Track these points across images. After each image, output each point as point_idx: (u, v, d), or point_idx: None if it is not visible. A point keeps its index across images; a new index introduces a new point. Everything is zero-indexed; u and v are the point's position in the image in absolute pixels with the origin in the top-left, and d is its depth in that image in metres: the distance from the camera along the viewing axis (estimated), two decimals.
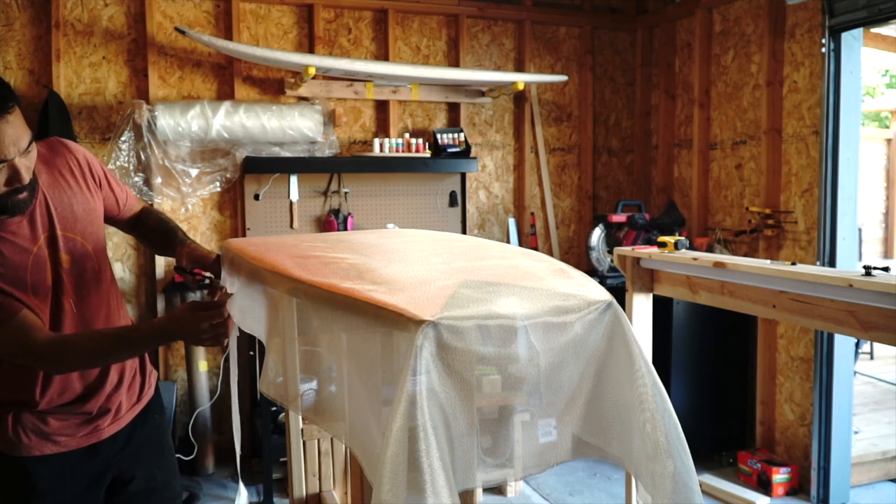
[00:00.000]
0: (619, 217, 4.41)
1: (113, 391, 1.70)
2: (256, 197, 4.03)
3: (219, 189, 3.97)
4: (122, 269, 3.88)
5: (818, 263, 3.53)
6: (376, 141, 4.13)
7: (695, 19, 4.36)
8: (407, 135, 4.26)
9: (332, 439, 2.58)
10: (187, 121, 3.69)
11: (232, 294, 1.58)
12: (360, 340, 1.29)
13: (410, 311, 1.07)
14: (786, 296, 2.24)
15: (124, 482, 1.74)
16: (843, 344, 3.53)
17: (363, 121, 4.33)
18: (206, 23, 3.97)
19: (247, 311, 1.67)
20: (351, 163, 4.11)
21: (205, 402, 3.88)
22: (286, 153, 3.99)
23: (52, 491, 1.61)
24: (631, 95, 4.96)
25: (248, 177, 4.00)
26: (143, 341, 1.55)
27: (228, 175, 3.96)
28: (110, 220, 1.82)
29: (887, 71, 9.38)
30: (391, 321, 1.10)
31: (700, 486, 1.22)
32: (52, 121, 3.55)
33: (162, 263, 3.90)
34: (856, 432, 3.91)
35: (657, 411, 1.18)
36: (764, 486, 3.65)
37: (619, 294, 2.42)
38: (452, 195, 4.43)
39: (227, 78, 4.02)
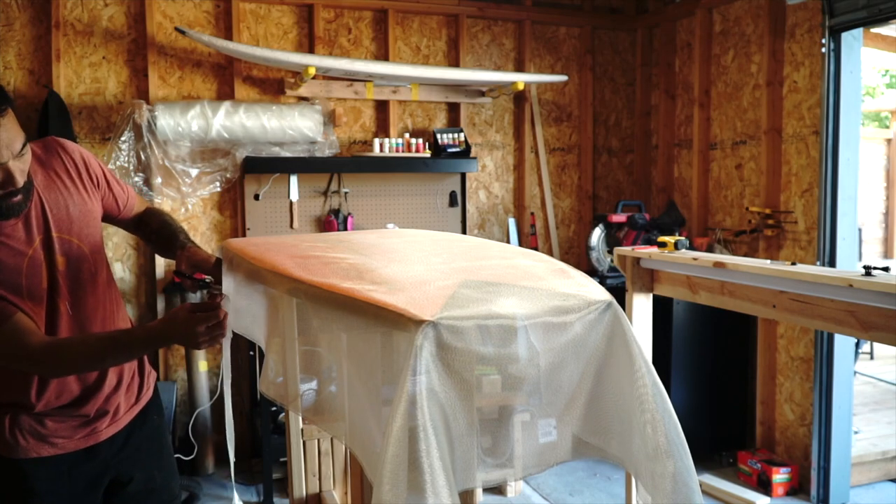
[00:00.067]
0: (619, 217, 4.41)
1: (111, 393, 1.69)
2: (256, 197, 4.03)
3: (219, 189, 3.97)
4: (122, 269, 3.88)
5: (818, 263, 3.53)
6: (376, 141, 4.13)
7: (695, 19, 4.36)
8: (407, 135, 4.26)
9: (332, 439, 2.58)
10: (187, 121, 3.69)
11: (227, 295, 1.57)
12: (360, 340, 1.29)
13: (410, 311, 1.07)
14: (786, 296, 2.24)
15: (123, 484, 1.73)
16: (843, 344, 3.53)
17: (363, 121, 4.33)
18: (206, 23, 3.97)
19: (244, 311, 1.67)
20: (351, 163, 4.11)
21: (205, 402, 3.88)
22: (286, 153, 3.99)
23: (50, 493, 1.61)
24: (631, 95, 4.96)
25: (248, 177, 4.00)
26: (139, 345, 1.54)
27: (228, 175, 3.96)
28: (112, 219, 1.80)
29: (887, 71, 9.38)
30: (391, 321, 1.11)
31: (700, 486, 1.22)
32: (52, 121, 3.55)
33: (162, 263, 3.90)
34: (856, 432, 3.91)
35: (657, 411, 1.18)
36: (764, 486, 3.65)
37: (619, 294, 2.43)
38: (452, 195, 4.43)
39: (227, 78, 4.02)
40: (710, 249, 4.08)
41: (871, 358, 5.81)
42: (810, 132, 3.65)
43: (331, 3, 4.16)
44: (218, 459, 3.93)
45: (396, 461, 1.00)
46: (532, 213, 4.70)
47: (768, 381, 3.89)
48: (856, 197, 3.51)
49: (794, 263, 2.29)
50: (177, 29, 3.70)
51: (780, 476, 3.63)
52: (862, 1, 3.27)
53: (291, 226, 4.12)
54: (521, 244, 4.62)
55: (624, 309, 1.55)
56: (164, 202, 3.89)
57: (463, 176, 4.44)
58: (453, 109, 4.51)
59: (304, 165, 4.01)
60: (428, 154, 4.24)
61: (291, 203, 4.11)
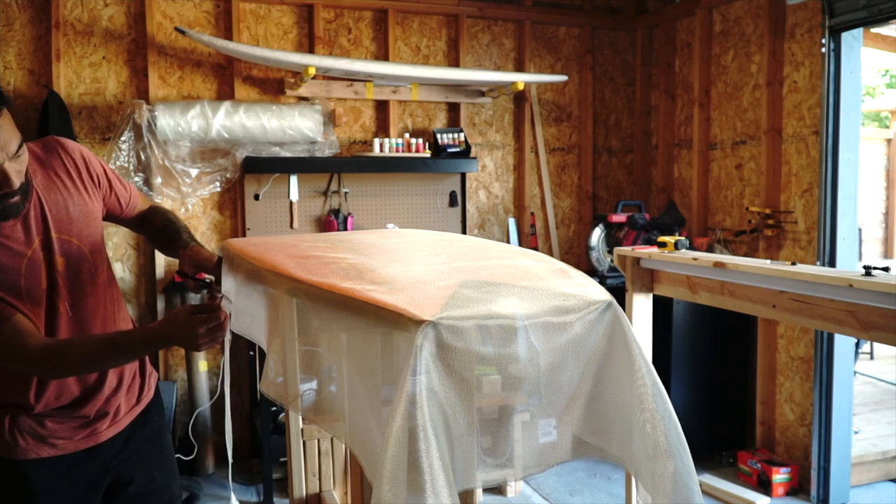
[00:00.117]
0: (619, 217, 4.41)
1: (111, 394, 1.68)
2: (256, 197, 4.03)
3: (219, 189, 3.97)
4: (122, 269, 3.88)
5: (818, 263, 3.53)
6: (376, 141, 4.13)
7: (695, 19, 4.36)
8: (407, 135, 4.26)
9: (332, 439, 2.58)
10: (187, 121, 3.69)
11: (227, 297, 1.57)
12: (360, 340, 1.29)
13: (410, 311, 1.07)
14: (786, 296, 2.24)
15: (123, 485, 1.72)
16: (843, 344, 3.53)
17: (363, 121, 4.33)
18: (206, 23, 3.97)
19: (244, 311, 1.67)
20: (351, 163, 4.11)
21: (205, 402, 3.88)
22: (286, 153, 3.99)
23: (50, 494, 1.60)
24: (631, 95, 4.96)
25: (248, 177, 4.00)
26: (139, 347, 1.53)
27: (228, 175, 3.97)
28: (115, 218, 1.80)
29: (887, 71, 9.38)
30: (391, 321, 1.11)
31: (700, 486, 1.22)
32: (52, 121, 3.55)
33: (162, 263, 3.90)
34: (856, 432, 3.91)
35: (657, 411, 1.18)
36: (764, 486, 3.65)
37: (619, 294, 2.43)
38: (452, 195, 4.43)
39: (227, 78, 4.02)
40: (710, 249, 4.08)
41: (871, 358, 5.81)
42: (810, 132, 3.65)
43: (331, 3, 4.16)
44: (218, 459, 3.93)
45: (396, 461, 1.00)
46: (532, 213, 4.70)
47: (768, 381, 3.89)
48: (856, 197, 3.51)
49: (794, 263, 2.29)
50: (177, 29, 3.70)
51: (780, 476, 3.63)
52: (862, 1, 3.27)
53: (291, 226, 4.12)
54: (521, 244, 4.62)
55: (624, 309, 1.55)
56: (164, 202, 3.89)
57: (463, 176, 4.44)
58: (453, 109, 4.51)
59: (304, 165, 4.01)
60: (428, 154, 4.24)
61: (291, 203, 4.11)
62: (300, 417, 2.43)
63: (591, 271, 4.38)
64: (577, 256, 4.81)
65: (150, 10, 3.83)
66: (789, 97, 3.78)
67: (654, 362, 1.48)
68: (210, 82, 4.00)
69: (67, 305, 1.58)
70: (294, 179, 4.09)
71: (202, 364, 3.90)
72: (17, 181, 1.42)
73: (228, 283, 1.61)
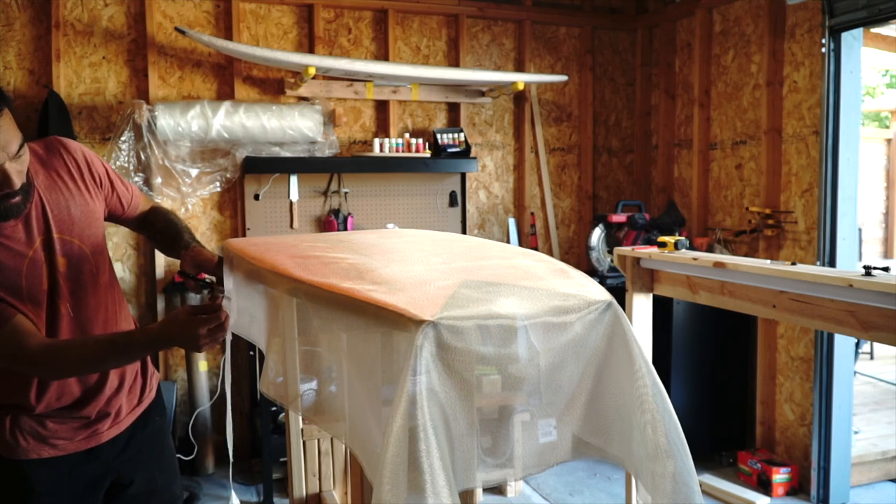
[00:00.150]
0: (619, 217, 4.41)
1: (113, 395, 1.68)
2: (256, 197, 4.03)
3: (219, 189, 3.97)
4: (121, 269, 3.88)
5: (818, 263, 3.53)
6: (376, 141, 4.13)
7: (695, 19, 4.36)
8: (407, 135, 4.26)
9: (332, 439, 2.58)
10: (187, 121, 3.69)
11: (228, 296, 1.57)
12: (360, 340, 1.29)
13: (410, 311, 1.07)
14: (786, 296, 2.24)
15: (124, 486, 1.72)
16: (843, 344, 3.53)
17: (363, 121, 4.33)
18: (206, 23, 3.97)
19: (244, 311, 1.67)
20: (351, 163, 4.11)
21: (205, 402, 3.88)
22: (286, 153, 3.99)
23: (50, 494, 1.60)
24: (631, 95, 4.96)
25: (248, 177, 4.00)
26: (139, 348, 1.53)
27: (228, 175, 3.96)
28: (116, 218, 1.79)
29: (887, 71, 9.38)
30: (391, 321, 1.10)
31: (700, 486, 1.22)
32: (52, 121, 3.55)
33: (162, 263, 3.90)
34: (856, 432, 3.91)
35: (657, 411, 1.18)
36: (764, 486, 3.65)
37: (619, 294, 2.42)
38: (452, 195, 4.43)
39: (227, 78, 4.02)
40: (710, 249, 4.08)
41: (871, 358, 5.81)
42: (810, 132, 3.65)
43: (331, 3, 4.16)
44: (218, 459, 3.93)
45: (396, 461, 1.00)
46: (532, 213, 4.70)
47: (768, 381, 3.89)
48: (856, 197, 3.51)
49: (794, 263, 2.29)
50: (177, 29, 3.70)
51: (780, 476, 3.63)
52: (862, 1, 3.27)
53: (291, 226, 4.12)
54: (521, 244, 4.62)
55: (624, 309, 1.55)
56: (164, 202, 3.89)
57: (463, 176, 4.44)
58: (453, 109, 4.51)
59: (304, 165, 4.01)
60: (428, 154, 4.24)
61: (291, 203, 4.11)
62: (300, 417, 2.43)
63: (591, 271, 4.38)
64: (577, 256, 4.81)
65: (150, 10, 3.83)
66: (789, 97, 3.78)
67: (654, 362, 1.48)
68: (210, 82, 4.00)
69: (69, 306, 1.58)
70: (294, 179, 4.09)
71: (202, 364, 3.90)
72: (18, 181, 1.42)
73: (229, 284, 1.61)
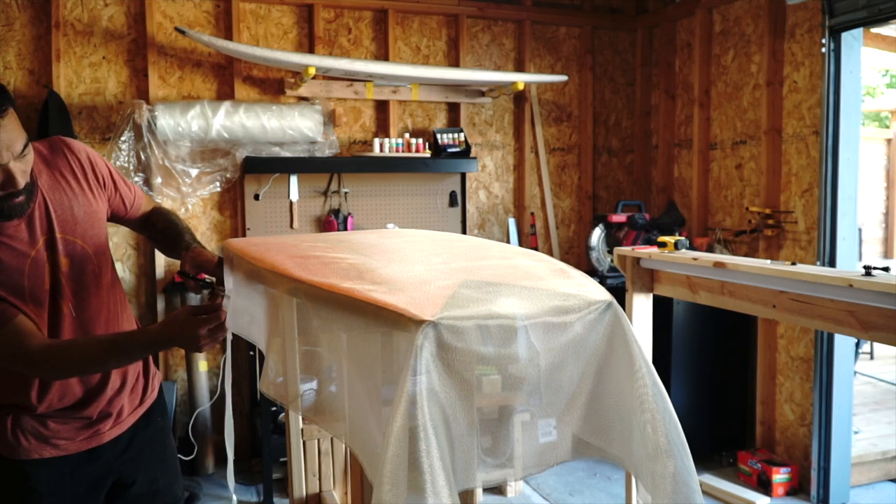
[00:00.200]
0: (619, 217, 4.41)
1: (114, 395, 1.68)
2: (256, 197, 4.04)
3: (219, 189, 3.97)
4: (122, 269, 3.88)
5: (818, 263, 3.53)
6: (376, 141, 4.13)
7: (695, 19, 4.36)
8: (407, 135, 4.26)
9: (332, 439, 2.58)
10: (187, 121, 3.69)
11: (228, 296, 1.57)
12: (360, 340, 1.29)
13: (410, 311, 1.07)
14: (786, 296, 2.24)
15: (125, 486, 1.72)
16: (843, 344, 3.53)
17: (363, 121, 4.33)
18: (206, 23, 3.97)
19: (243, 312, 1.67)
20: (351, 163, 4.11)
21: (205, 402, 3.88)
22: (286, 153, 3.99)
23: (52, 494, 1.60)
24: (631, 95, 4.96)
25: (248, 177, 4.00)
26: (140, 348, 1.53)
27: (228, 175, 3.97)
28: (119, 219, 1.80)
29: (887, 71, 9.38)
30: (391, 321, 1.10)
31: (700, 486, 1.22)
32: (52, 121, 3.55)
33: (162, 263, 3.90)
34: (856, 432, 3.91)
35: (657, 411, 1.18)
36: (764, 486, 3.65)
37: (619, 294, 2.43)
38: (452, 195, 4.43)
39: (227, 78, 4.02)
40: (710, 249, 4.08)
41: (871, 358, 5.81)
42: (810, 132, 3.65)
43: (331, 3, 4.16)
44: (218, 459, 3.93)
45: (396, 461, 1.00)
46: (532, 213, 4.70)
47: (768, 381, 3.89)
48: (856, 197, 3.52)
49: (794, 263, 2.29)
50: (177, 29, 3.70)
51: (780, 476, 3.63)
52: (862, 1, 3.27)
53: (291, 226, 4.12)
54: (521, 244, 4.62)
55: (624, 309, 1.55)
56: (165, 202, 3.89)
57: (463, 176, 4.44)
58: (453, 109, 4.51)
59: (304, 165, 4.01)
60: (428, 154, 4.24)
61: (291, 203, 4.11)
62: (300, 417, 2.43)
63: (591, 271, 4.38)
64: (577, 256, 4.81)
65: (150, 10, 3.83)
66: (789, 97, 3.78)
67: (654, 362, 1.48)
68: (210, 82, 4.00)
69: (71, 306, 1.58)
70: (294, 179, 4.09)
71: (202, 364, 3.90)
72: (21, 181, 1.42)
73: (229, 284, 1.61)
